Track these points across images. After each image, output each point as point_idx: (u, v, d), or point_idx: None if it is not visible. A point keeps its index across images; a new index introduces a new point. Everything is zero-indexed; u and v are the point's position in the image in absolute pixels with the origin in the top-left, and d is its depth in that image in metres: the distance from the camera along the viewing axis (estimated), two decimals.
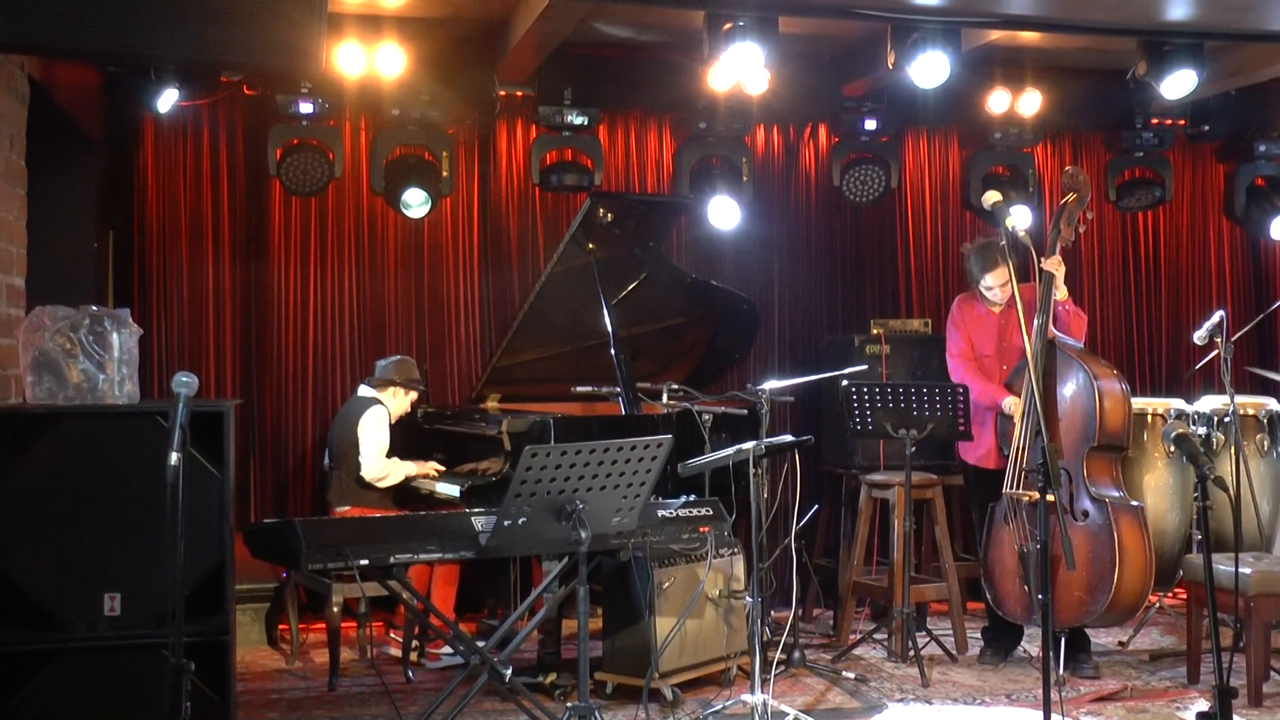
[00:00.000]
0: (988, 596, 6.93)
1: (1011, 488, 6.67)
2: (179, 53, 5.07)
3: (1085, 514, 6.53)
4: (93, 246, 7.57)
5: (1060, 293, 6.75)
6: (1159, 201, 9.59)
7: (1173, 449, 7.53)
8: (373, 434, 7.14)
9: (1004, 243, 6.17)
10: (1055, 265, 6.68)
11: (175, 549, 4.31)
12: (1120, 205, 9.62)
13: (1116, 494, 6.60)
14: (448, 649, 7.00)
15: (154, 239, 8.13)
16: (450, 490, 6.87)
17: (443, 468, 7.32)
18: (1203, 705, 6.01)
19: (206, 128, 8.22)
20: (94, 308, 5.43)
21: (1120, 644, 7.47)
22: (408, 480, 7.26)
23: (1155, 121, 9.29)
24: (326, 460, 7.51)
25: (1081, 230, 6.92)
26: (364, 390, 7.39)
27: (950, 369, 7.23)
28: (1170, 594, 7.91)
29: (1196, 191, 10.02)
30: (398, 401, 7.36)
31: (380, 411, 7.21)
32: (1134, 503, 6.63)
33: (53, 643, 5.12)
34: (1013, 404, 6.77)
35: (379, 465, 7.13)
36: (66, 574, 5.13)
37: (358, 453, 7.14)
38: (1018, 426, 6.67)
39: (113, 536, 5.15)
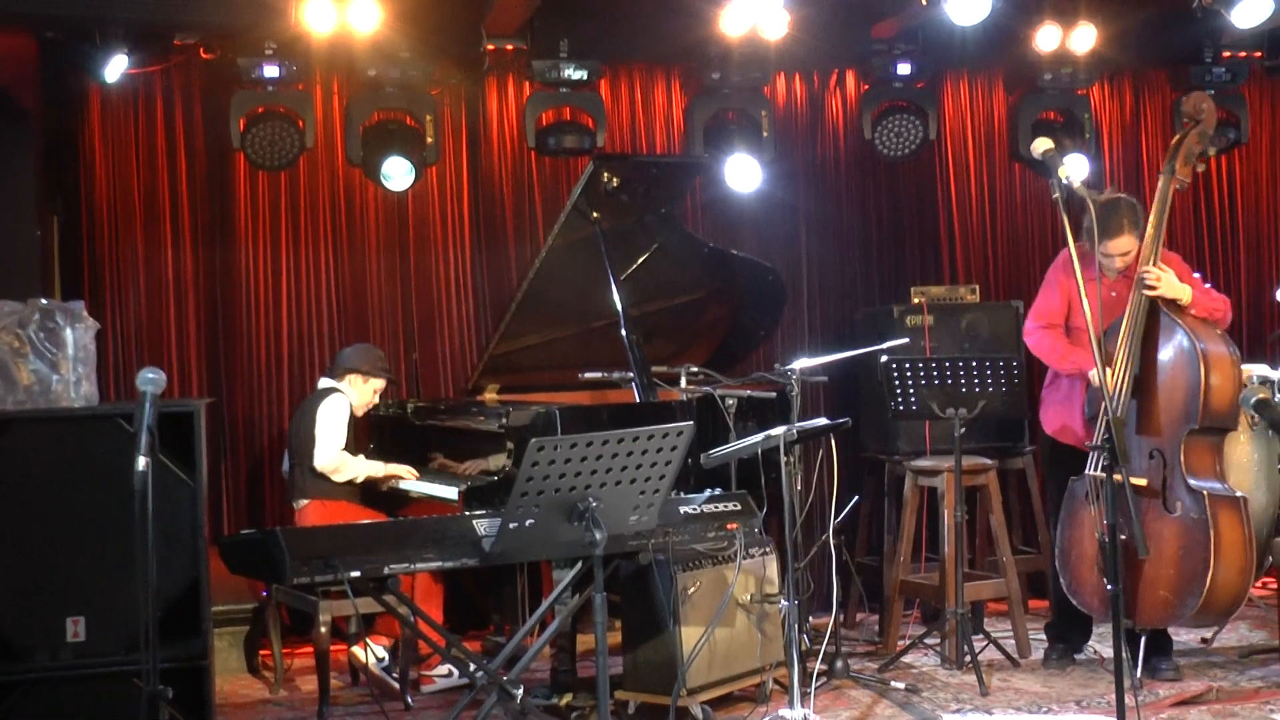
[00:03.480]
0: (1062, 582, 6.84)
1: (1096, 468, 6.57)
2: (130, 13, 5.13)
3: (1180, 505, 6.43)
4: (35, 234, 7.65)
5: (1182, 298, 6.61)
6: (1234, 144, 9.57)
7: (1255, 418, 7.45)
8: (329, 423, 7.24)
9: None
10: (1155, 279, 6.55)
11: (145, 565, 4.38)
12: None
13: (1218, 486, 6.46)
14: (441, 670, 7.09)
15: (104, 224, 8.20)
16: (447, 492, 6.94)
17: (415, 472, 7.38)
18: None
19: (160, 97, 8.27)
20: (44, 301, 5.50)
21: (1204, 641, 7.51)
22: (370, 482, 7.35)
23: (1227, 55, 9.27)
24: (285, 461, 7.60)
25: (1201, 170, 6.80)
26: (323, 382, 7.51)
27: (1027, 332, 7.15)
28: (1259, 584, 7.93)
29: (1277, 131, 10.04)
30: (358, 390, 7.47)
31: (339, 400, 7.32)
32: (1237, 494, 6.49)
33: (11, 674, 5.21)
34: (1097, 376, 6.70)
35: (332, 456, 7.22)
36: (23, 597, 5.23)
37: (313, 441, 7.25)
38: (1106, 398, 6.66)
39: (74, 554, 5.23)
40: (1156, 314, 6.61)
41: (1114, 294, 6.82)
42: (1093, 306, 6.74)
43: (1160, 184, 6.71)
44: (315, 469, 7.23)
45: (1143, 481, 6.42)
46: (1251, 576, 6.50)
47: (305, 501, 7.30)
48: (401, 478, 7.36)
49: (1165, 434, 6.50)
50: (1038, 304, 7.15)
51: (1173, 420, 6.52)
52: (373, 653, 7.12)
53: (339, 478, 7.25)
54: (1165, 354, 6.58)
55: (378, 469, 7.35)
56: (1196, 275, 6.97)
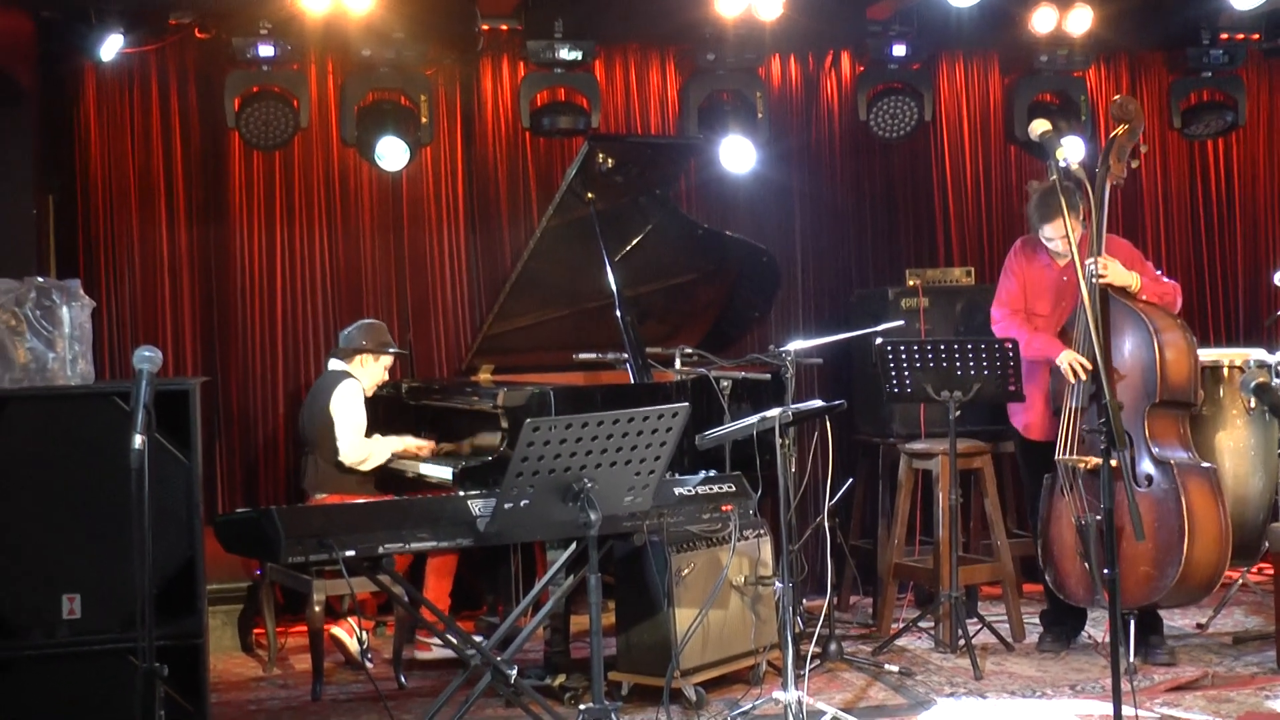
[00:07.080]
0: (1047, 578, 7.00)
1: (1066, 454, 6.74)
2: None
3: (1149, 479, 6.60)
4: (31, 213, 7.67)
5: (1131, 285, 6.80)
6: (1231, 127, 9.59)
7: (1253, 402, 7.45)
8: (347, 412, 7.24)
9: (1063, 184, 6.13)
10: (1103, 268, 6.68)
11: (142, 543, 4.41)
12: (1186, 133, 9.63)
13: (1184, 455, 6.68)
14: (438, 640, 7.12)
15: (100, 203, 8.22)
16: (442, 472, 6.97)
17: (432, 443, 7.39)
18: None
19: (155, 77, 8.28)
20: (40, 280, 5.52)
21: (1199, 626, 7.55)
22: (393, 459, 7.34)
23: (1225, 36, 9.28)
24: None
25: (1134, 165, 6.93)
26: (333, 364, 7.51)
27: (994, 320, 7.26)
28: (1255, 569, 7.97)
29: (1275, 114, 10.05)
30: (369, 371, 7.48)
31: (353, 385, 7.31)
32: (1205, 464, 6.71)
33: (7, 651, 5.23)
34: (1070, 359, 6.76)
35: (359, 447, 7.24)
36: (19, 575, 5.24)
37: (333, 435, 7.24)
38: (1069, 384, 6.75)
39: (70, 532, 5.26)
40: (1109, 301, 6.77)
41: (1065, 279, 7.03)
42: (1048, 296, 7.03)
43: (1098, 180, 6.78)
44: (340, 463, 7.22)
45: (1114, 463, 6.47)
46: (1229, 548, 6.64)
47: (323, 495, 7.23)
48: (416, 454, 7.33)
49: (1128, 413, 6.63)
50: (999, 293, 7.29)
51: (1134, 399, 6.70)
52: (355, 638, 7.15)
53: (367, 466, 7.25)
54: (1122, 337, 6.78)
55: (396, 445, 7.33)
56: (1148, 263, 7.14)
